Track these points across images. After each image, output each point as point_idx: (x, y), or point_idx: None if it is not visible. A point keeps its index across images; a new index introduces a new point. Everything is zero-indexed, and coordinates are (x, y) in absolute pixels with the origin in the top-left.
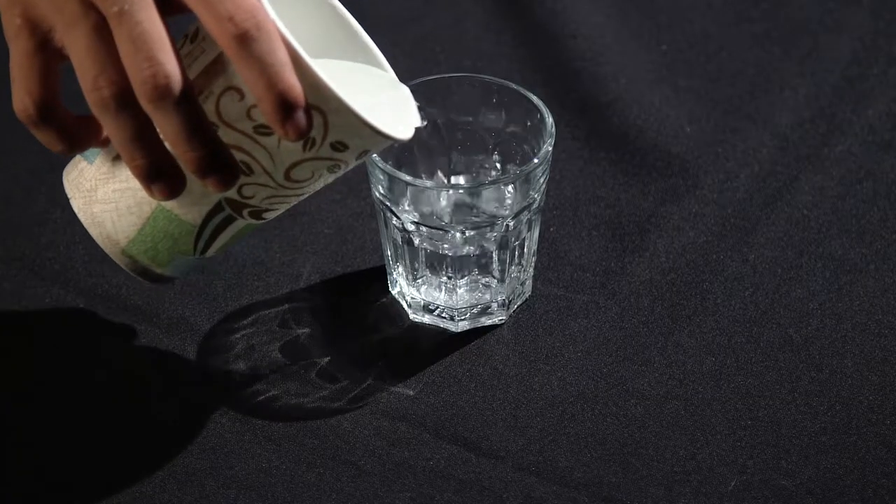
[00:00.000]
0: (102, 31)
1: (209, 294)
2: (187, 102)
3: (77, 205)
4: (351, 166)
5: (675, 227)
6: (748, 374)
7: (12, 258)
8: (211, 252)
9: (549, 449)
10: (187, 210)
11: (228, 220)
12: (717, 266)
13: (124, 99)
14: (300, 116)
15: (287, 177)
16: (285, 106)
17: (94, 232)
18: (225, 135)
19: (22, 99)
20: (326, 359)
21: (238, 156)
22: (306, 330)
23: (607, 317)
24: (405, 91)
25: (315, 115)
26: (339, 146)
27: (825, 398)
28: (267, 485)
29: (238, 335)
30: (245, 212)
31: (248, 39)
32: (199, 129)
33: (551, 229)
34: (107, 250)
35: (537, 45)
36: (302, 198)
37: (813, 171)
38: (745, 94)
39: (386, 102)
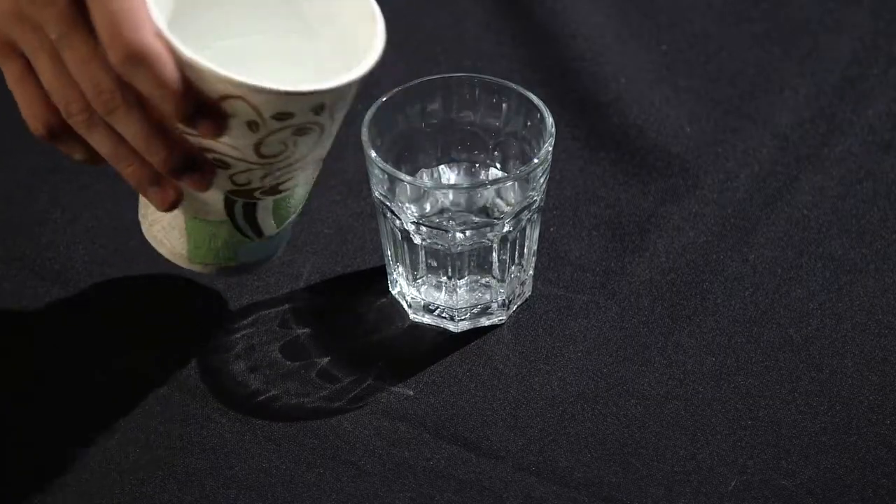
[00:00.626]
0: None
1: (209, 294)
2: (138, 110)
3: (143, 228)
4: (331, 120)
5: (675, 227)
6: (748, 374)
7: (12, 258)
8: (270, 232)
9: (550, 449)
10: (206, 211)
11: (251, 206)
12: (718, 266)
13: (94, 120)
14: (206, 120)
15: (261, 155)
16: (186, 119)
17: (161, 251)
18: (189, 139)
19: (31, 123)
20: (326, 359)
21: (209, 155)
22: (306, 330)
23: (607, 317)
24: (373, 17)
25: (237, 102)
26: (281, 116)
27: (825, 398)
28: (267, 485)
29: (238, 335)
30: (256, 193)
31: (130, 69)
32: (156, 132)
33: (551, 229)
34: (180, 265)
35: (537, 45)
36: (307, 158)
37: (813, 171)
38: (745, 94)
39: (341, 40)
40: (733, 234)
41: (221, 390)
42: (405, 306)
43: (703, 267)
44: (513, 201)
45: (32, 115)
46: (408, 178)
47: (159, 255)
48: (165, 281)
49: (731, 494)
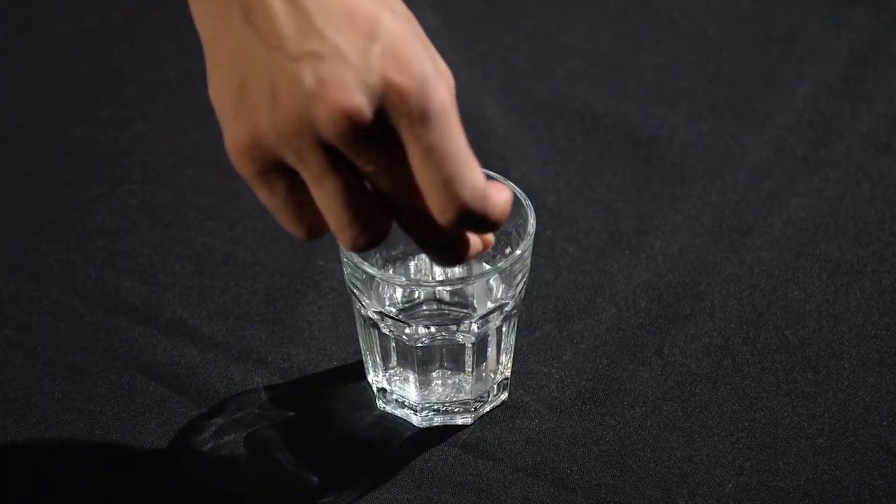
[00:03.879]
0: (349, 187)
1: (209, 295)
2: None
3: None
4: None
5: (672, 228)
6: (745, 376)
7: (11, 260)
8: None
9: (547, 450)
10: None
11: None
12: (715, 267)
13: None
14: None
15: None
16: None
17: None
18: None
19: (295, 230)
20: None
21: None
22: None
23: (604, 318)
24: None
25: None
26: None
27: (822, 400)
28: (268, 486)
29: (236, 337)
30: None
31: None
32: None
33: (548, 231)
34: None
35: (537, 46)
36: None
37: (810, 173)
38: (744, 94)
39: None
40: (730, 235)
41: (221, 392)
42: (374, 394)
43: (700, 268)
44: (481, 301)
45: (298, 225)
46: (371, 269)
47: (155, 260)
48: (164, 283)
49: (729, 496)
